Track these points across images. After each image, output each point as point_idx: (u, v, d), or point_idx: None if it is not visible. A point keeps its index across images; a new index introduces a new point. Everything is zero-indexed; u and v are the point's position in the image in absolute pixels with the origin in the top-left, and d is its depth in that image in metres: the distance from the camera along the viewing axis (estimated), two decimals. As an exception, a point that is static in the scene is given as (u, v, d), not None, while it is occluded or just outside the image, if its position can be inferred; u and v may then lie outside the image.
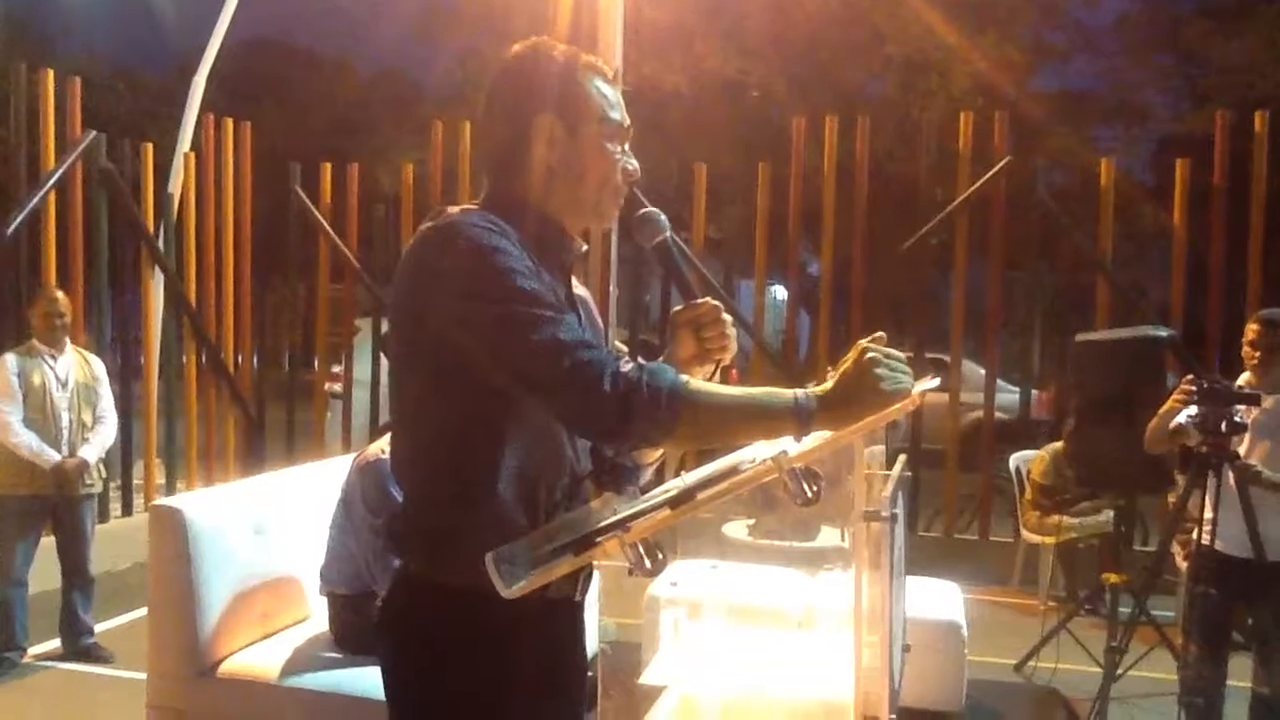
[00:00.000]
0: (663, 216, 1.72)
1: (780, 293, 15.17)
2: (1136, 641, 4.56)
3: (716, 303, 1.71)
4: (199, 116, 8.14)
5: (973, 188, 7.36)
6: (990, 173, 7.30)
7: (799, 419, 1.48)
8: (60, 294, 5.25)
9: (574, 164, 1.69)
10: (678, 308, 1.75)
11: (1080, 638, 5.20)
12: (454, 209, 1.65)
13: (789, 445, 1.45)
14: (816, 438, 1.45)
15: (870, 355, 1.48)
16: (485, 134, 1.77)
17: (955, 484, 7.45)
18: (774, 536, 5.17)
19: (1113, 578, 4.82)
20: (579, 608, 1.79)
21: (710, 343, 1.71)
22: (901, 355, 1.50)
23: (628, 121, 1.75)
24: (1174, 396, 3.98)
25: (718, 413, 1.50)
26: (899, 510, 1.66)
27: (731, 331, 1.71)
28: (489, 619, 1.61)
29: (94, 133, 7.08)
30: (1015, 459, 6.97)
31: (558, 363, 1.49)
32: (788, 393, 1.50)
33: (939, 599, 4.24)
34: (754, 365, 8.05)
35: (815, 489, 1.45)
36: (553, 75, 1.70)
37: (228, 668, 3.28)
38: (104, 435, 5.25)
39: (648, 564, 1.50)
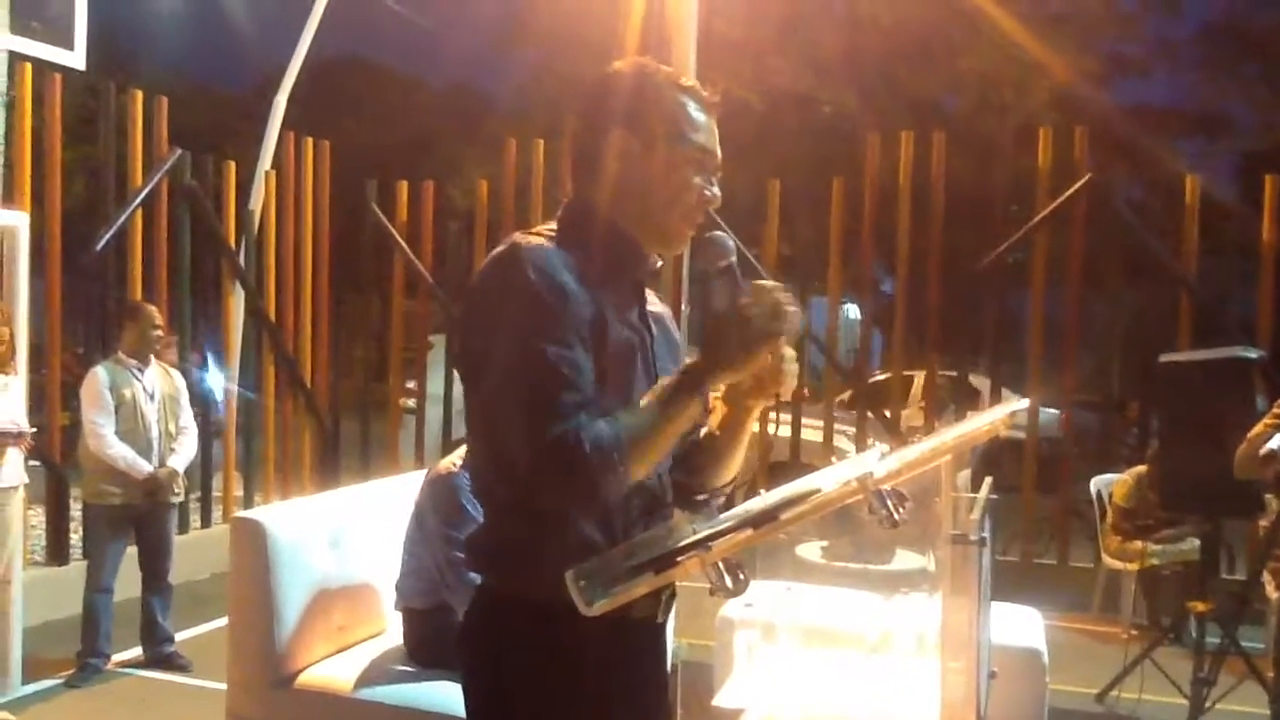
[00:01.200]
0: (730, 241, 1.68)
1: (853, 311, 15.03)
2: (1225, 673, 4.43)
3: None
4: (280, 135, 8.31)
5: (1053, 204, 7.22)
6: (1071, 189, 7.16)
7: (689, 386, 1.56)
8: (155, 310, 5.38)
9: (643, 180, 1.69)
10: None
11: (1165, 668, 5.04)
12: (525, 239, 1.64)
13: (874, 466, 1.42)
14: (899, 458, 1.42)
15: (742, 300, 1.57)
16: (570, 142, 1.77)
17: (1033, 507, 7.29)
18: (849, 559, 5.11)
19: (1199, 606, 4.66)
20: (660, 629, 1.78)
21: (766, 376, 1.67)
22: (785, 290, 1.59)
23: (715, 148, 1.73)
24: (1264, 421, 3.86)
25: (647, 436, 1.55)
26: (987, 534, 1.62)
27: (791, 367, 1.65)
28: (567, 636, 1.59)
29: (179, 151, 7.25)
30: (1096, 482, 6.80)
31: (530, 442, 1.51)
32: (672, 377, 1.59)
33: (1019, 625, 4.14)
34: (826, 384, 7.97)
35: (902, 510, 1.42)
36: (639, 91, 1.70)
37: (304, 679, 3.31)
38: (188, 446, 5.37)
39: (729, 584, 1.48)
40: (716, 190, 1.73)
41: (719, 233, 1.67)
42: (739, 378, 1.65)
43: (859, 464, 1.44)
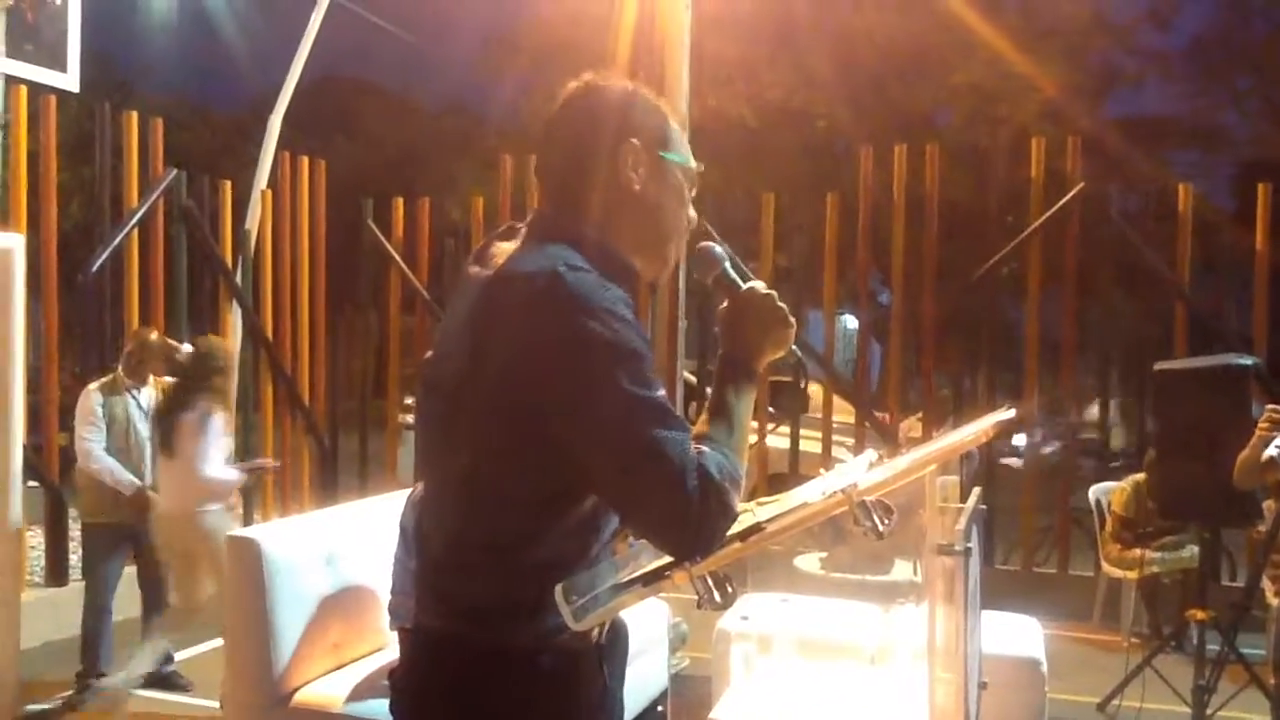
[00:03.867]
0: (718, 249, 1.67)
1: (851, 322, 15.04)
2: (1225, 680, 4.42)
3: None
4: (275, 154, 8.34)
5: (1045, 214, 7.24)
6: (1064, 199, 7.18)
7: (744, 375, 1.56)
8: (154, 334, 5.38)
9: (652, 196, 1.64)
10: None
11: (1166, 676, 5.02)
12: (574, 275, 1.49)
13: (859, 477, 1.43)
14: (884, 469, 1.43)
15: (748, 288, 1.59)
16: (555, 160, 1.68)
17: (1032, 516, 7.29)
18: (847, 570, 5.11)
19: (1199, 614, 4.66)
20: (602, 650, 1.71)
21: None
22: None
23: (694, 170, 1.71)
24: (1259, 426, 3.86)
25: (740, 441, 1.52)
26: (973, 544, 1.62)
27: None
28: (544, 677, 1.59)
29: (175, 171, 7.28)
30: (1095, 491, 6.80)
31: (680, 485, 1.41)
32: (719, 382, 1.57)
33: (1018, 634, 4.13)
34: (824, 396, 7.97)
35: (887, 522, 1.42)
36: (643, 105, 1.66)
37: (301, 697, 3.31)
38: None
39: (717, 597, 1.48)
40: (694, 213, 1.72)
41: (706, 243, 1.68)
42: (779, 351, 1.62)
43: (845, 474, 1.45)
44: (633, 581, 1.52)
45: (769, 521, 1.47)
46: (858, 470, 1.59)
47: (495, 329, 1.52)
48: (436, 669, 1.63)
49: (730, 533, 1.49)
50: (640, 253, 1.66)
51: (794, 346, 1.61)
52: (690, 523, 1.41)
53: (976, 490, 1.87)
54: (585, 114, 1.66)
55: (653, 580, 1.48)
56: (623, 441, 1.43)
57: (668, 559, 1.51)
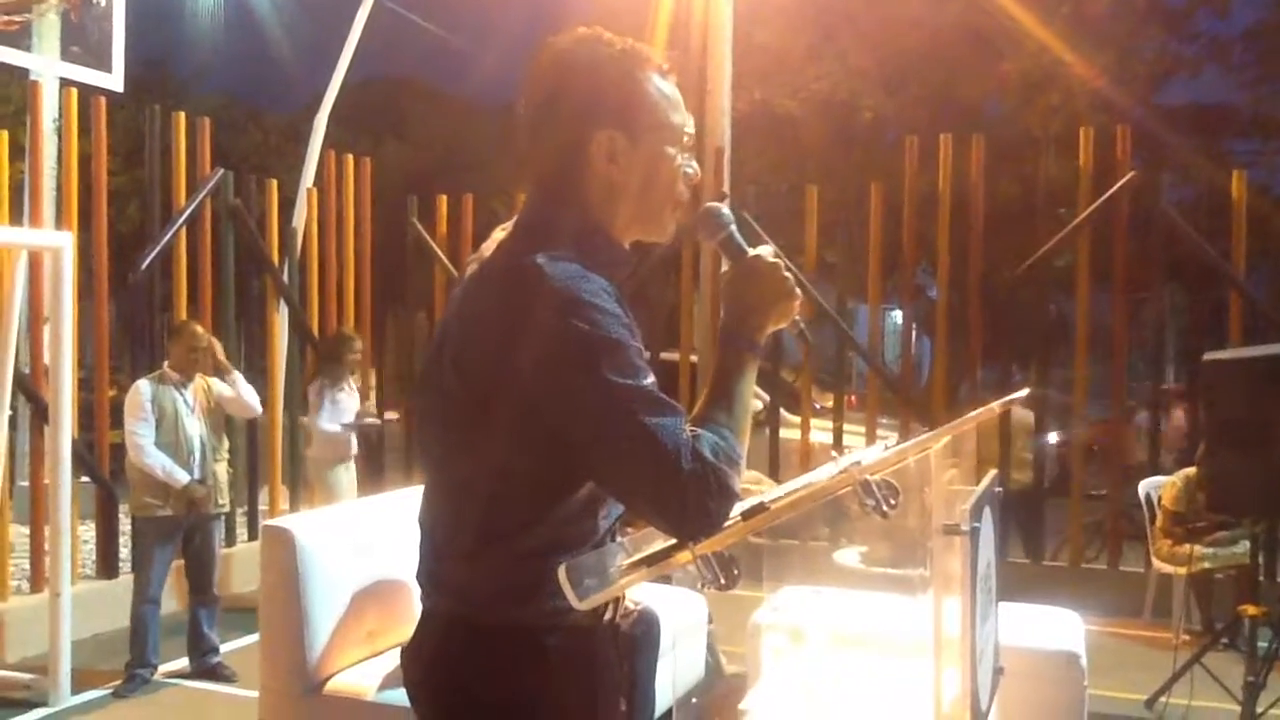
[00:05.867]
0: (725, 210, 1.62)
1: (899, 317, 14.94)
2: (1277, 677, 4.31)
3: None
4: (321, 153, 8.43)
5: (1093, 204, 7.10)
6: (1113, 189, 7.04)
7: (746, 346, 1.54)
8: (200, 329, 5.48)
9: (637, 178, 1.59)
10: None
11: (1217, 673, 4.90)
12: (553, 266, 1.48)
13: (863, 455, 1.41)
14: (885, 447, 1.41)
15: (753, 255, 1.57)
16: (533, 146, 1.64)
17: (1080, 510, 7.17)
18: (887, 565, 5.06)
19: (1251, 609, 4.55)
20: (616, 629, 1.71)
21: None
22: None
23: (689, 123, 1.64)
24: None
25: (740, 417, 1.51)
26: (980, 524, 1.59)
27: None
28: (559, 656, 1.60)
29: (221, 171, 7.39)
30: (1145, 485, 6.66)
31: (676, 464, 1.41)
32: (720, 357, 1.55)
33: (1056, 628, 4.06)
34: (870, 391, 7.90)
35: (893, 502, 1.40)
36: (612, 80, 1.58)
37: (334, 685, 3.34)
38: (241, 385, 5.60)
39: (721, 579, 1.47)
40: (695, 165, 1.65)
41: (714, 204, 1.64)
42: (784, 322, 1.59)
43: (847, 455, 1.43)
44: (638, 562, 1.51)
45: (773, 501, 1.45)
46: (868, 453, 1.57)
47: (481, 324, 1.53)
48: (445, 648, 1.64)
49: (735, 512, 1.48)
50: (634, 228, 1.64)
51: (798, 318, 1.59)
52: (687, 506, 1.41)
53: (992, 472, 1.83)
54: (549, 109, 1.61)
55: (656, 561, 1.47)
56: (611, 431, 1.43)
57: (673, 540, 1.50)
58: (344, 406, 6.67)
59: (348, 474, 6.75)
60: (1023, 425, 7.44)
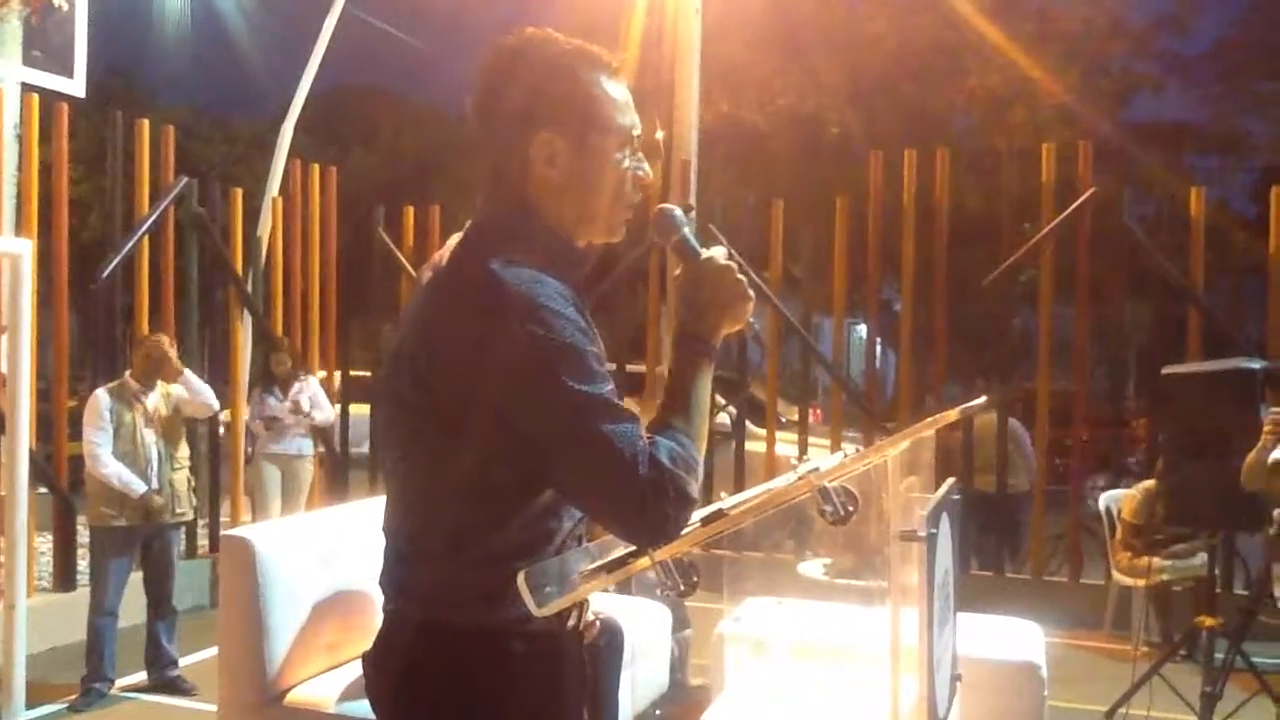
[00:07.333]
0: (678, 213, 1.61)
1: (864, 331, 15.03)
2: (1236, 688, 4.36)
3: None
4: (286, 162, 8.38)
5: (1056, 219, 7.18)
6: (1075, 204, 7.12)
7: (701, 350, 1.53)
8: (163, 338, 5.41)
9: (580, 180, 1.59)
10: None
11: (1175, 684, 4.95)
12: (508, 272, 1.48)
13: (821, 462, 1.42)
14: (845, 455, 1.41)
15: (706, 257, 1.56)
16: (481, 147, 1.63)
17: (1042, 523, 7.22)
18: (851, 576, 5.07)
19: (1207, 620, 4.60)
20: (581, 636, 1.71)
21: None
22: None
23: (638, 125, 1.63)
24: (1265, 430, 3.82)
25: (697, 423, 1.51)
26: (937, 530, 1.60)
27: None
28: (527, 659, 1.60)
29: (185, 179, 7.32)
30: (1105, 498, 6.74)
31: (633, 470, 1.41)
32: (675, 361, 1.55)
33: (1017, 639, 4.09)
34: (834, 405, 7.92)
35: (850, 508, 1.41)
36: (553, 81, 1.57)
37: (294, 697, 3.31)
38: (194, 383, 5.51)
39: (681, 585, 1.47)
40: (647, 166, 1.64)
41: (667, 205, 1.63)
42: (737, 325, 1.58)
43: (804, 462, 1.44)
44: (598, 569, 1.51)
45: (731, 507, 1.45)
46: (826, 460, 1.57)
47: (438, 331, 1.53)
48: (408, 651, 1.62)
49: (694, 518, 1.48)
50: (582, 229, 1.64)
51: (751, 320, 1.59)
52: (646, 512, 1.41)
53: (950, 480, 1.85)
54: (491, 111, 1.61)
55: (616, 567, 1.47)
56: (569, 437, 1.44)
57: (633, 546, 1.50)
58: (272, 411, 7.26)
59: (278, 472, 7.28)
60: (1014, 432, 7.52)
